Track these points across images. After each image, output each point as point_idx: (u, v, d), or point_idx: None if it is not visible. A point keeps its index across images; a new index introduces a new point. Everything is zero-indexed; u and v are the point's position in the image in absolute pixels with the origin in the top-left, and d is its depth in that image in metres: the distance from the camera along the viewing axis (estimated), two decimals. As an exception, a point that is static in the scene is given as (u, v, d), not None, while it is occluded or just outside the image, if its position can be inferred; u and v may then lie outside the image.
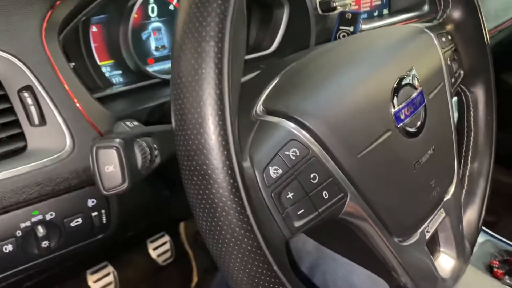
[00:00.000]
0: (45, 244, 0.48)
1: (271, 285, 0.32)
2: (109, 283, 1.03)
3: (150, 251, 1.12)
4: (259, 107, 0.39)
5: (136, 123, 0.43)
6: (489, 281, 0.63)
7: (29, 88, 0.44)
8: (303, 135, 0.37)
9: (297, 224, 0.36)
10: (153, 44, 0.69)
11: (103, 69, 0.64)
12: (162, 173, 0.56)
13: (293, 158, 0.36)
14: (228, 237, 0.31)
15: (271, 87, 0.42)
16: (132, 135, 0.37)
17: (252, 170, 0.34)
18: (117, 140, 0.34)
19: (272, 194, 0.35)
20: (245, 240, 0.31)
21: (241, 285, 0.33)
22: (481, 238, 1.07)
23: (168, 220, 1.02)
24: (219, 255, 0.32)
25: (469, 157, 0.58)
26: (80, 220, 0.50)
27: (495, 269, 0.95)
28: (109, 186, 0.34)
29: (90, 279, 1.01)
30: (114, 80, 0.65)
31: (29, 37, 0.44)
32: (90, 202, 0.50)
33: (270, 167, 0.35)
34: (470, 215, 0.56)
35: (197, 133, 0.29)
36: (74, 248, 0.52)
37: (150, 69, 0.67)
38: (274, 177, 0.35)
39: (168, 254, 1.15)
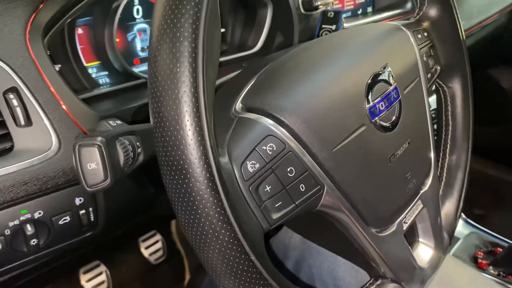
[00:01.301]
0: (33, 242, 0.49)
1: (249, 275, 0.34)
2: (102, 282, 1.04)
3: (142, 250, 1.13)
4: (238, 105, 0.41)
5: (119, 122, 0.44)
6: (470, 271, 0.65)
7: (14, 89, 0.45)
8: (280, 130, 0.38)
9: (275, 216, 0.38)
10: (138, 45, 0.70)
11: (90, 70, 0.65)
12: (147, 170, 0.58)
13: (270, 153, 0.38)
14: (206, 229, 0.32)
15: (250, 85, 0.43)
16: (115, 133, 0.38)
17: (230, 165, 0.36)
18: (99, 138, 0.35)
19: (250, 188, 0.36)
20: (223, 231, 0.32)
21: (220, 275, 0.34)
22: (466, 231, 1.09)
23: (158, 218, 1.03)
24: (198, 247, 0.34)
25: (447, 150, 0.59)
26: (68, 218, 0.51)
27: (480, 260, 0.97)
28: (92, 182, 0.36)
29: (83, 278, 1.02)
30: (100, 81, 0.66)
31: (13, 40, 0.45)
32: (78, 201, 0.52)
33: (247, 162, 0.36)
34: (449, 207, 0.57)
35: (174, 130, 0.31)
36: (63, 246, 0.53)
37: (136, 69, 0.68)
38: (251, 171, 0.36)
39: (160, 252, 1.16)
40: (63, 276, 1.02)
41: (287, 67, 0.45)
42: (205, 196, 0.31)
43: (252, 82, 0.43)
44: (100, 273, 1.04)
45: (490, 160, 1.59)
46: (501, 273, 0.91)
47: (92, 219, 0.54)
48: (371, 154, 0.44)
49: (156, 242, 1.15)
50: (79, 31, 0.63)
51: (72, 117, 0.48)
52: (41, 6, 0.47)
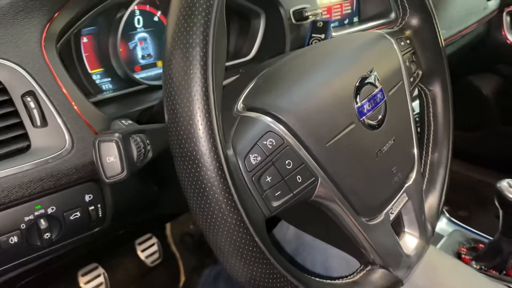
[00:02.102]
0: (47, 236, 0.52)
1: (253, 254, 0.38)
2: (100, 284, 1.07)
3: (139, 252, 1.16)
4: (239, 105, 0.45)
5: (130, 121, 0.48)
6: (453, 261, 0.70)
7: (31, 93, 0.48)
8: (278, 127, 0.43)
9: (275, 204, 0.42)
10: (139, 53, 0.74)
11: (94, 77, 0.68)
12: (152, 170, 0.61)
13: (270, 147, 0.42)
14: (216, 213, 0.36)
15: (249, 87, 0.47)
16: (129, 131, 0.42)
17: (235, 157, 0.40)
18: (116, 134, 0.39)
19: (253, 178, 0.41)
20: (230, 215, 0.36)
21: (227, 256, 0.38)
22: (450, 228, 1.15)
23: (157, 219, 1.06)
24: (208, 230, 0.38)
25: (430, 148, 0.64)
26: (78, 213, 0.55)
27: (463, 256, 1.02)
28: (110, 174, 0.39)
29: (81, 280, 1.04)
30: (104, 87, 0.70)
31: (30, 47, 0.49)
32: (87, 197, 0.55)
33: (250, 155, 0.41)
34: (432, 200, 0.62)
35: (187, 125, 0.35)
36: (73, 241, 0.56)
37: (137, 76, 0.72)
38: (254, 163, 0.41)
39: (156, 255, 1.19)
40: (62, 278, 1.04)
41: (283, 72, 0.50)
42: (215, 183, 0.35)
43: (252, 85, 0.48)
44: (98, 275, 1.07)
45: (472, 163, 1.66)
46: (483, 267, 0.96)
47: (100, 215, 0.57)
48: (359, 150, 0.49)
49: (152, 245, 1.18)
50: (84, 39, 0.67)
51: (84, 118, 0.51)
52: (56, 15, 0.51)
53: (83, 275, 1.05)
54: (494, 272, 0.94)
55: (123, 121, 0.47)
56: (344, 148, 0.47)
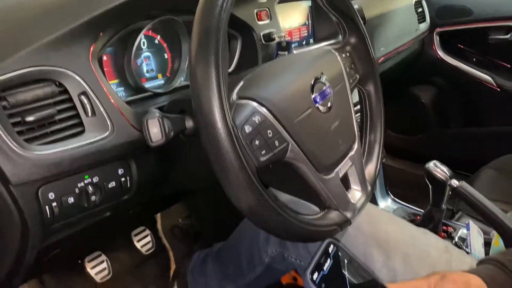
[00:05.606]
0: (92, 199, 0.71)
1: (250, 187, 0.58)
2: (104, 269, 1.23)
3: (135, 242, 1.33)
4: (234, 96, 0.66)
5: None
6: (390, 215, 0.93)
7: (84, 93, 0.68)
8: (262, 109, 0.64)
9: (262, 159, 0.63)
10: (144, 68, 0.95)
11: (112, 86, 0.88)
12: (164, 155, 0.81)
13: (257, 122, 0.63)
14: (227, 160, 0.57)
15: (240, 85, 0.69)
16: (162, 115, 0.63)
17: (235, 127, 0.61)
18: (157, 114, 0.60)
19: (247, 142, 0.62)
20: (236, 160, 0.57)
21: (233, 188, 0.58)
22: (395, 206, 1.41)
23: (145, 215, 1.24)
24: (221, 172, 0.58)
25: (368, 131, 0.88)
26: (114, 183, 0.74)
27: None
28: (155, 140, 0.60)
29: (88, 266, 1.20)
30: (119, 94, 0.89)
31: (82, 61, 0.69)
32: (120, 171, 0.74)
33: (245, 126, 0.62)
34: (370, 168, 0.85)
35: (208, 105, 0.56)
36: (109, 205, 0.75)
37: (145, 85, 0.92)
38: (247, 132, 0.62)
39: (150, 245, 1.36)
40: (71, 265, 1.20)
41: (262, 74, 0.72)
42: (227, 139, 0.56)
43: (241, 84, 0.70)
44: (102, 262, 1.23)
45: (415, 162, 1.93)
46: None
47: (128, 186, 0.76)
48: (316, 126, 0.71)
49: (146, 236, 1.35)
50: (104, 58, 0.87)
51: (120, 111, 0.71)
52: (101, 34, 0.71)
53: (89, 261, 1.21)
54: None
55: (154, 109, 0.67)
56: (306, 124, 0.69)
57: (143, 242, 1.34)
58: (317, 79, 0.74)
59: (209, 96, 0.56)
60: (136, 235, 1.34)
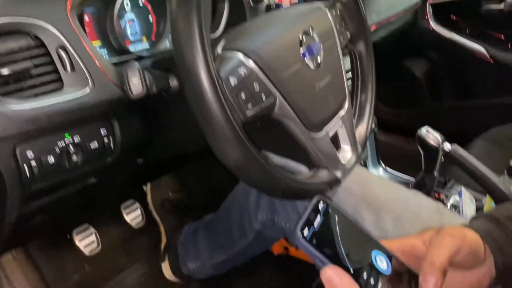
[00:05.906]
0: (74, 159, 0.69)
1: (236, 141, 0.56)
2: (92, 242, 1.21)
3: (125, 216, 1.31)
4: (219, 48, 0.64)
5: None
6: (380, 178, 0.91)
7: (63, 47, 0.65)
8: (248, 61, 0.62)
9: (248, 113, 0.61)
10: (128, 31, 0.91)
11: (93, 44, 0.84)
12: (149, 117, 0.79)
13: (243, 74, 0.61)
14: (212, 115, 0.54)
15: (225, 38, 0.66)
16: (144, 66, 0.60)
17: (220, 79, 0.59)
18: (137, 64, 0.58)
19: (233, 94, 0.59)
20: (221, 115, 0.55)
21: (220, 143, 0.56)
22: (386, 175, 1.40)
23: (135, 187, 1.22)
24: (207, 128, 0.55)
25: (359, 92, 0.86)
26: (96, 143, 0.71)
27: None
28: (136, 92, 0.57)
29: (77, 238, 1.19)
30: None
31: (60, 14, 0.65)
32: (103, 131, 0.72)
33: (230, 78, 0.59)
34: (360, 129, 0.83)
35: (190, 55, 0.53)
36: (93, 168, 0.73)
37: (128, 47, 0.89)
38: (233, 84, 0.59)
39: (140, 218, 1.34)
40: (60, 238, 1.18)
41: (250, 27, 0.69)
42: (210, 93, 0.54)
43: (227, 37, 0.67)
44: (90, 234, 1.21)
45: (408, 136, 1.91)
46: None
47: (112, 147, 0.74)
48: (305, 81, 0.69)
49: (136, 209, 1.34)
50: (86, 18, 0.83)
51: (101, 67, 0.68)
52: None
53: (77, 233, 1.19)
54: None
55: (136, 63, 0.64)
56: (294, 79, 0.67)
57: (132, 215, 1.32)
58: (306, 33, 0.71)
59: (191, 46, 0.53)
60: (125, 208, 1.32)
